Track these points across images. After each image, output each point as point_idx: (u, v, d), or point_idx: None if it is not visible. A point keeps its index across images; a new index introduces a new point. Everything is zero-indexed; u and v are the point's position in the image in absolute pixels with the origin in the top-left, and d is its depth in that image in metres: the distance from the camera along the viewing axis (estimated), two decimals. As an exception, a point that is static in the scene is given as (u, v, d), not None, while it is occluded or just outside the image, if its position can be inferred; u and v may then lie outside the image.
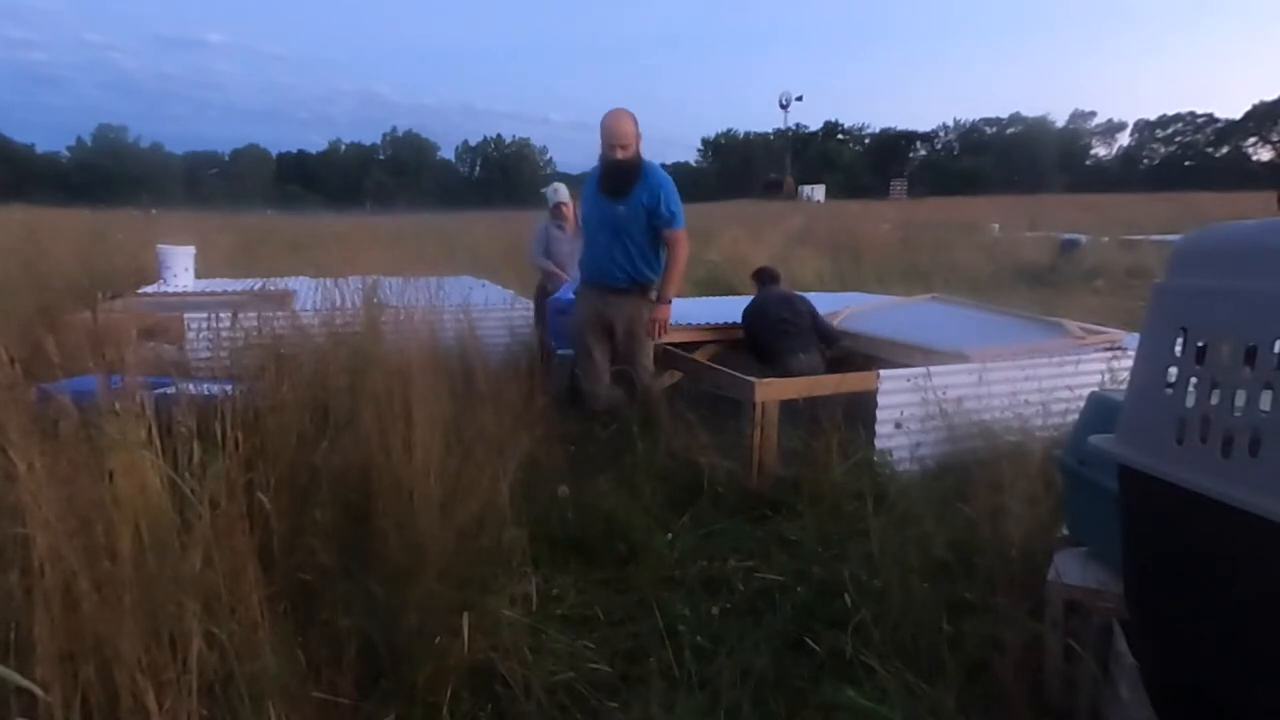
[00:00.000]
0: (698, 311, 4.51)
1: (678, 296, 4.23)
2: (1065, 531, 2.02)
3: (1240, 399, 1.10)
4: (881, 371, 3.31)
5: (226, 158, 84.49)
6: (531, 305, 5.19)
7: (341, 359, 3.25)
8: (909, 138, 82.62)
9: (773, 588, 2.29)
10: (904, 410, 3.26)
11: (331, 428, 2.60)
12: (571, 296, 4.04)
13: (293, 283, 5.78)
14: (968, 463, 2.96)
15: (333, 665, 1.71)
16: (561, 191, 5.25)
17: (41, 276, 6.26)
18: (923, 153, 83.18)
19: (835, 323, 4.37)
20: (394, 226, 17.08)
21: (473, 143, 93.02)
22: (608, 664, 1.98)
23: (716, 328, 4.30)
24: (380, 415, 2.38)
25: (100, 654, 1.37)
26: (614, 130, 3.50)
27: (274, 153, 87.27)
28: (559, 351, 4.10)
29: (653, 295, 3.65)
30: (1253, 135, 71.80)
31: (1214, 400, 1.14)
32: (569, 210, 5.22)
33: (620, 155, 3.48)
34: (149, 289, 6.06)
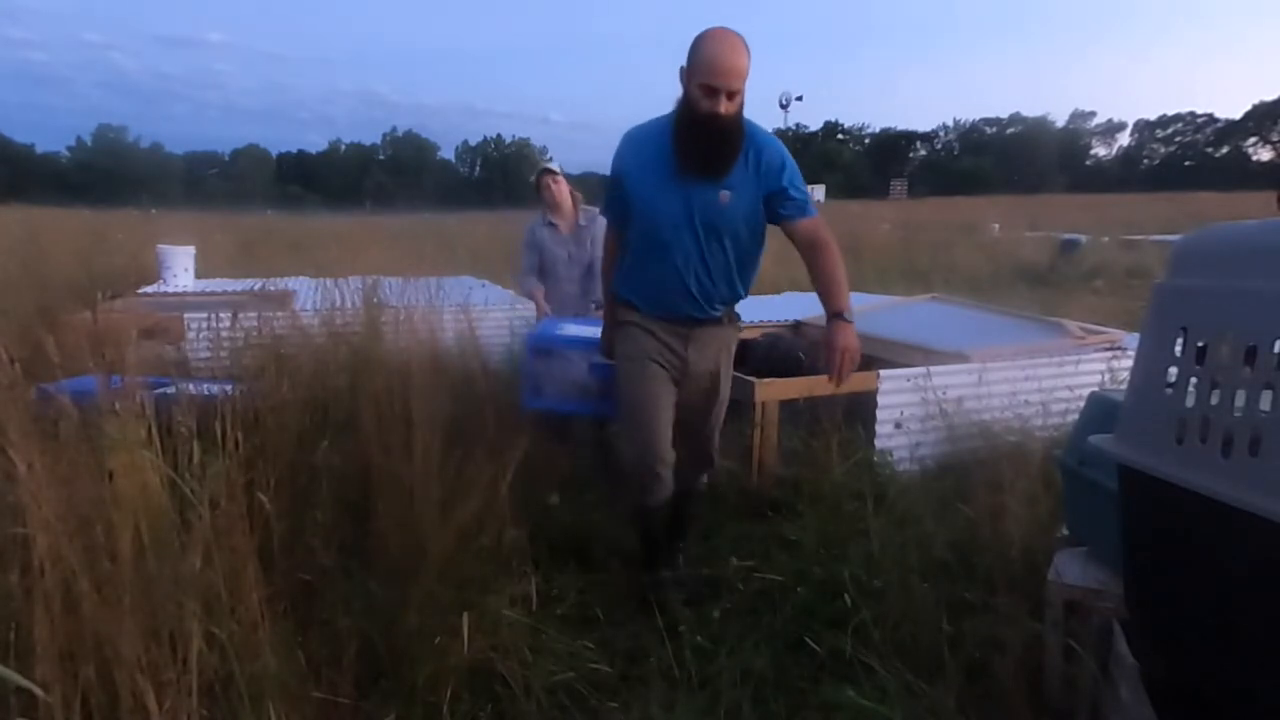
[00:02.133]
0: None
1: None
2: (1065, 531, 2.02)
3: (1240, 399, 1.10)
4: (881, 371, 3.31)
5: (226, 158, 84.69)
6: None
7: (341, 359, 3.26)
8: (909, 138, 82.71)
9: (773, 588, 2.29)
10: (904, 410, 3.26)
11: (331, 428, 2.60)
12: (562, 333, 2.88)
13: (293, 283, 5.77)
14: (968, 463, 2.96)
15: (333, 665, 1.71)
16: (552, 164, 3.60)
17: (41, 276, 6.26)
18: (923, 153, 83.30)
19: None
20: (394, 226, 17.08)
21: (473, 143, 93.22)
22: (608, 664, 1.98)
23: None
24: (380, 415, 2.38)
25: (100, 654, 1.37)
26: (723, 64, 2.00)
27: (274, 153, 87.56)
28: (534, 405, 2.84)
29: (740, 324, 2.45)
30: (1253, 135, 71.91)
31: (1214, 400, 1.14)
32: (561, 190, 3.55)
33: (724, 107, 2.01)
34: (149, 289, 6.06)
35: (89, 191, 47.97)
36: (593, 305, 3.52)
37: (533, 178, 3.62)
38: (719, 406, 2.39)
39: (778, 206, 2.17)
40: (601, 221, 3.35)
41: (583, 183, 3.96)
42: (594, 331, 2.66)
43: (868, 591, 2.09)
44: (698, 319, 2.25)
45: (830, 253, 2.19)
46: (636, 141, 2.23)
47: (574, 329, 2.94)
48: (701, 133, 2.05)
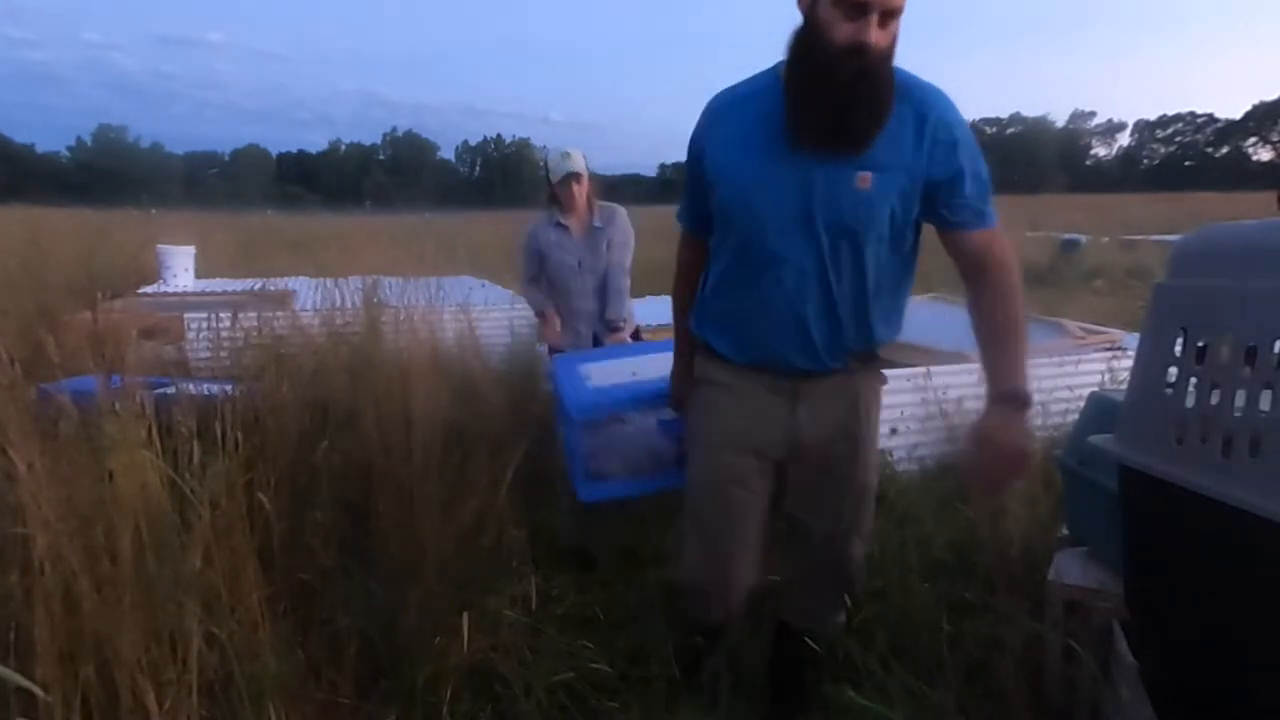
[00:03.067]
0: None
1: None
2: (1065, 531, 2.02)
3: (1240, 399, 1.10)
4: (882, 371, 3.30)
5: (226, 158, 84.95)
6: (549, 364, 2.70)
7: (341, 359, 3.25)
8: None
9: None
10: (904, 410, 3.26)
11: (331, 428, 2.60)
12: (606, 387, 2.10)
13: (293, 283, 5.79)
14: (968, 463, 2.96)
15: (333, 665, 1.71)
16: (576, 159, 2.84)
17: (41, 276, 6.26)
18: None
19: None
20: (394, 226, 17.09)
21: (473, 143, 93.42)
22: (608, 664, 1.98)
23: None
24: (380, 415, 2.38)
25: (100, 654, 1.37)
26: None
27: (274, 153, 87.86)
28: (595, 497, 2.10)
29: (884, 377, 1.67)
30: (1253, 135, 72.10)
31: (1214, 400, 1.14)
32: (583, 190, 2.86)
33: (874, 36, 1.28)
34: (149, 289, 6.07)
35: (89, 191, 48.13)
36: (608, 326, 2.88)
37: (557, 178, 2.81)
38: (857, 497, 1.60)
39: (943, 205, 1.41)
40: (620, 221, 2.89)
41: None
42: (646, 364, 2.09)
43: (868, 591, 2.09)
44: (813, 369, 1.50)
45: (1009, 286, 1.41)
46: (727, 106, 1.47)
47: (601, 368, 2.24)
48: (836, 76, 1.28)
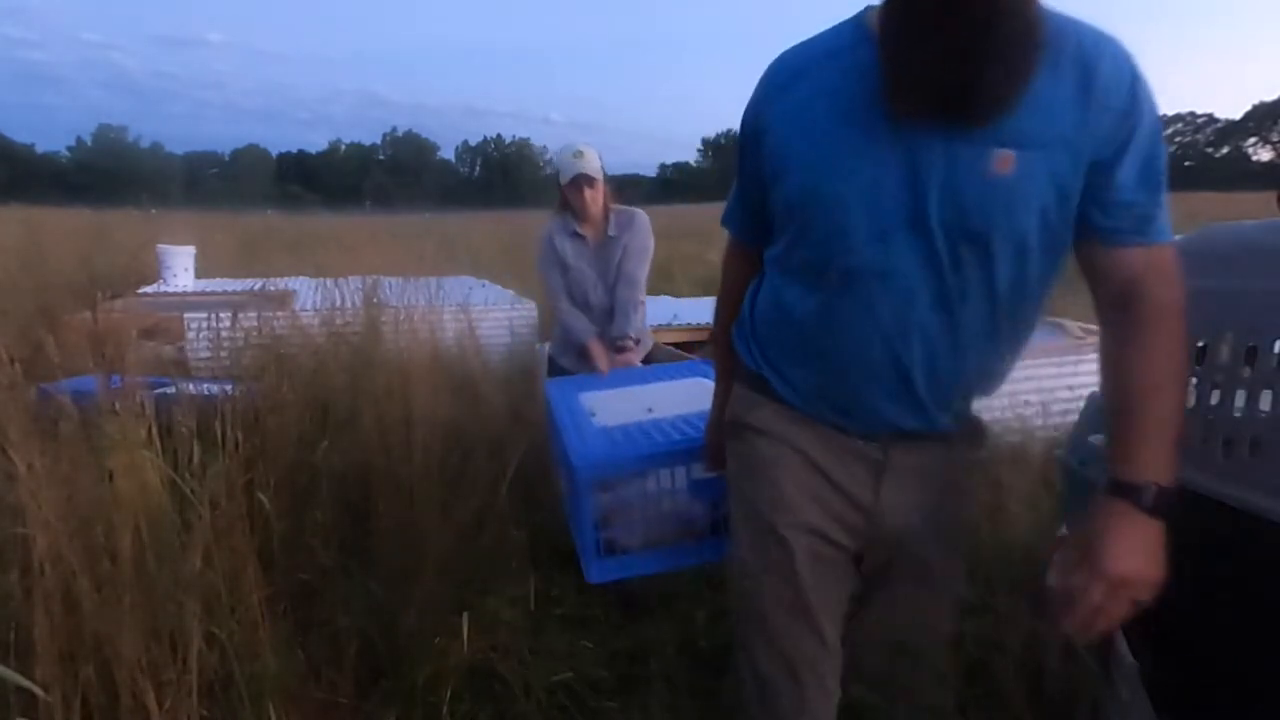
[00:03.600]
0: (698, 311, 4.50)
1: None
2: (1065, 531, 2.02)
3: (1240, 399, 1.10)
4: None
5: (226, 158, 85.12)
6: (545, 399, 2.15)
7: (341, 359, 3.25)
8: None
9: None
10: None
11: (331, 428, 2.60)
12: (621, 429, 1.69)
13: (293, 283, 5.78)
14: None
15: (333, 665, 1.71)
16: (588, 158, 2.47)
17: (41, 276, 6.26)
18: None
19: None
20: (394, 226, 17.09)
21: (473, 143, 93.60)
22: (608, 665, 1.98)
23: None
24: (380, 415, 2.38)
25: (100, 654, 1.37)
26: None
27: (274, 153, 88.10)
28: (607, 578, 1.62)
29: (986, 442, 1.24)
30: (1253, 135, 72.19)
31: (1214, 400, 1.14)
32: (596, 196, 2.49)
33: None
34: (149, 289, 6.07)
35: (89, 191, 48.26)
36: (613, 345, 2.50)
37: (565, 180, 2.47)
38: (944, 593, 1.24)
39: (1094, 201, 0.95)
40: (639, 226, 2.54)
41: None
42: (661, 396, 1.80)
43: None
44: (908, 433, 1.09)
45: (1165, 337, 0.96)
46: (797, 67, 1.04)
47: (607, 400, 1.88)
48: (960, 10, 0.85)
